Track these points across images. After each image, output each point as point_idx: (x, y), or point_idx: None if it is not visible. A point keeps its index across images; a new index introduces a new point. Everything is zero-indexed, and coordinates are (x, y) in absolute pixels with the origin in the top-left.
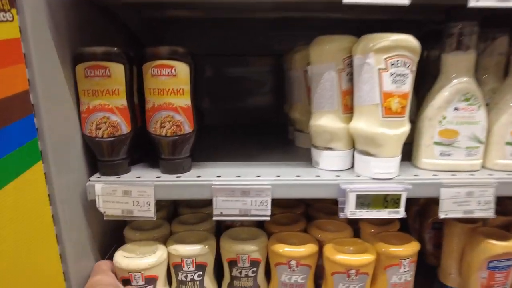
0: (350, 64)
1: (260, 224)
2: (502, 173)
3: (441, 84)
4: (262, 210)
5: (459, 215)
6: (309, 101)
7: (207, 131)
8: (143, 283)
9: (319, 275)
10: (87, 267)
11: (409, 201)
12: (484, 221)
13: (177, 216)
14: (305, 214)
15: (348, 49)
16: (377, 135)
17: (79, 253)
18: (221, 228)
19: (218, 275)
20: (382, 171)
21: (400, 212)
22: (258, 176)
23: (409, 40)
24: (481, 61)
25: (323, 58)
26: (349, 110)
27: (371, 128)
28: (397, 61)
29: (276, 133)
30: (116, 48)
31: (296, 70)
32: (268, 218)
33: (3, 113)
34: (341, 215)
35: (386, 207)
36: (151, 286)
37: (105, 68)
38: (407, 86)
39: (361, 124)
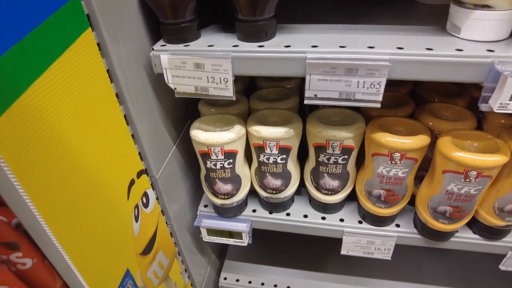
0: None
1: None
2: None
3: None
4: (372, 94)
5: None
6: None
7: None
8: (222, 157)
9: (422, 168)
10: (163, 146)
11: None
12: None
13: (256, 89)
14: (413, 94)
15: None
16: None
17: (152, 131)
18: (305, 106)
19: (301, 156)
20: None
21: None
22: (371, 47)
23: None
24: None
25: None
26: None
27: None
28: None
29: None
30: None
31: None
32: (378, 105)
33: None
34: (483, 106)
35: None
36: (231, 160)
37: None
38: None
39: None
